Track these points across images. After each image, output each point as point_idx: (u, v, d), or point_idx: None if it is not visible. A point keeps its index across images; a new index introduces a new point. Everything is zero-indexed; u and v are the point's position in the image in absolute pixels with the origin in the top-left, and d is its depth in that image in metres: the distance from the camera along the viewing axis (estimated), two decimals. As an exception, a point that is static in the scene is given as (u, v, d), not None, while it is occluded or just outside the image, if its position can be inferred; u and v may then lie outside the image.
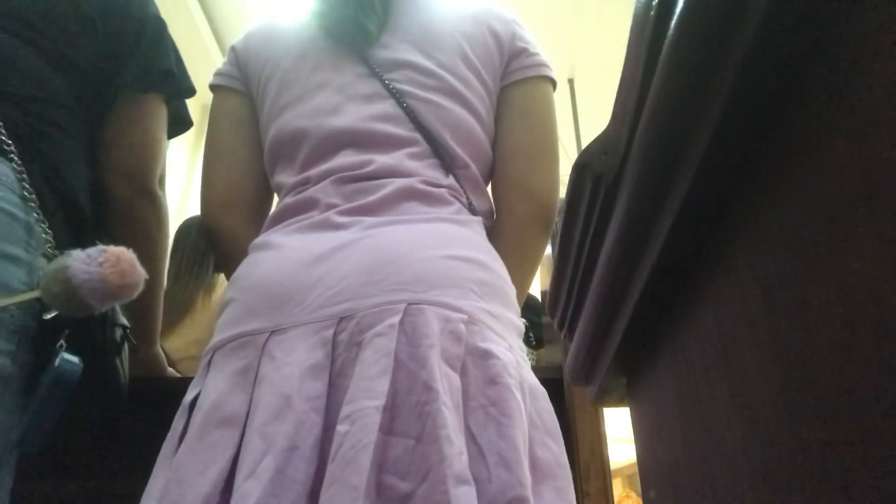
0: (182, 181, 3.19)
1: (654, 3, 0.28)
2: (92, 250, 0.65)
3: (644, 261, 0.37)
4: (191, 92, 0.92)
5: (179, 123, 0.97)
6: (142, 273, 0.68)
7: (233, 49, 0.86)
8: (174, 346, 1.47)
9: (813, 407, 0.24)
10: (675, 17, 0.26)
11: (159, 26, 0.88)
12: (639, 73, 0.30)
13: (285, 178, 0.75)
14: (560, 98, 3.34)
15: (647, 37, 0.29)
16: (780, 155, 0.26)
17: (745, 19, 0.23)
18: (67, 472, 0.92)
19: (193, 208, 3.03)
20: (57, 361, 0.64)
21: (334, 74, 0.76)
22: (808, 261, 0.24)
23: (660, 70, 0.28)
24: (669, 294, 0.38)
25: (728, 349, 0.32)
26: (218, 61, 3.12)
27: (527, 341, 1.48)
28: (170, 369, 1.08)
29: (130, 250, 0.67)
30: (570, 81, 3.45)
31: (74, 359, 0.66)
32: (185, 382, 0.63)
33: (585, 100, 3.38)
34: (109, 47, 0.82)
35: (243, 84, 0.84)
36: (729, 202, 0.30)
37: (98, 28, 0.80)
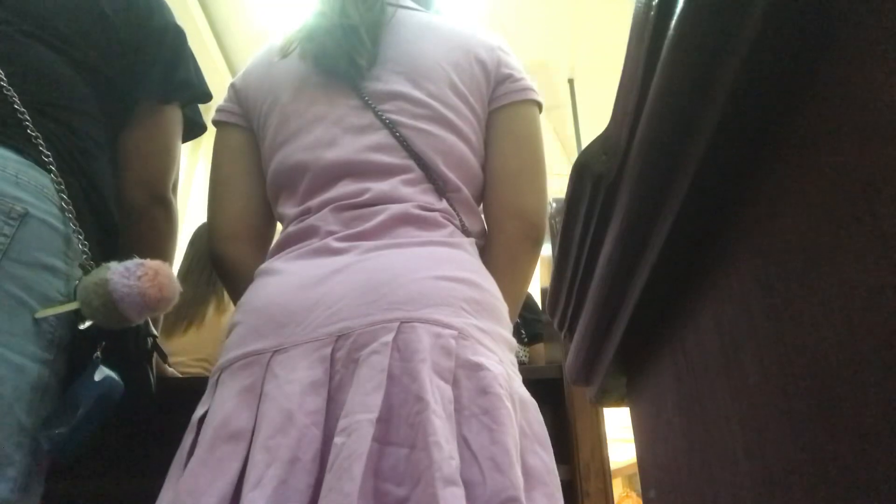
0: (181, 183, 3.20)
1: (654, 3, 0.28)
2: (129, 264, 0.66)
3: (644, 261, 0.37)
4: (208, 97, 0.94)
5: (194, 128, 0.98)
6: (178, 286, 0.70)
7: (232, 86, 0.90)
8: (178, 359, 1.43)
9: (813, 407, 0.24)
10: (675, 17, 0.26)
11: (179, 35, 0.90)
12: (639, 73, 0.30)
13: (288, 209, 0.79)
14: (560, 98, 3.34)
15: (647, 37, 0.29)
16: (780, 155, 0.26)
17: (746, 19, 0.23)
18: (64, 472, 0.92)
19: (192, 210, 3.03)
20: (99, 377, 0.66)
21: (329, 108, 0.79)
22: (808, 261, 0.24)
23: (660, 70, 0.28)
24: (669, 294, 0.38)
25: (728, 349, 0.32)
26: (218, 62, 3.13)
27: (519, 338, 1.48)
28: (170, 369, 1.08)
29: (167, 264, 0.69)
30: (570, 81, 3.45)
31: (115, 375, 0.67)
32: (182, 382, 0.64)
33: (585, 100, 3.38)
34: (130, 56, 0.83)
35: (244, 119, 0.87)
36: (729, 202, 0.30)
37: (120, 34, 0.81)
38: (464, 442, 0.54)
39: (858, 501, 0.21)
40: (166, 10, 0.90)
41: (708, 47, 0.25)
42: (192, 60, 0.92)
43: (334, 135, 0.77)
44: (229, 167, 0.87)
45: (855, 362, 0.21)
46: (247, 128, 0.87)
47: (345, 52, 0.79)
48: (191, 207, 3.01)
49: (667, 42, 0.27)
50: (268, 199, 0.85)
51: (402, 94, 0.78)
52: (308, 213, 0.75)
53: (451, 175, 0.77)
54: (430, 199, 0.75)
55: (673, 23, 0.26)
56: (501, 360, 0.62)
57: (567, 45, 3.25)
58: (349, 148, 0.76)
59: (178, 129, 0.92)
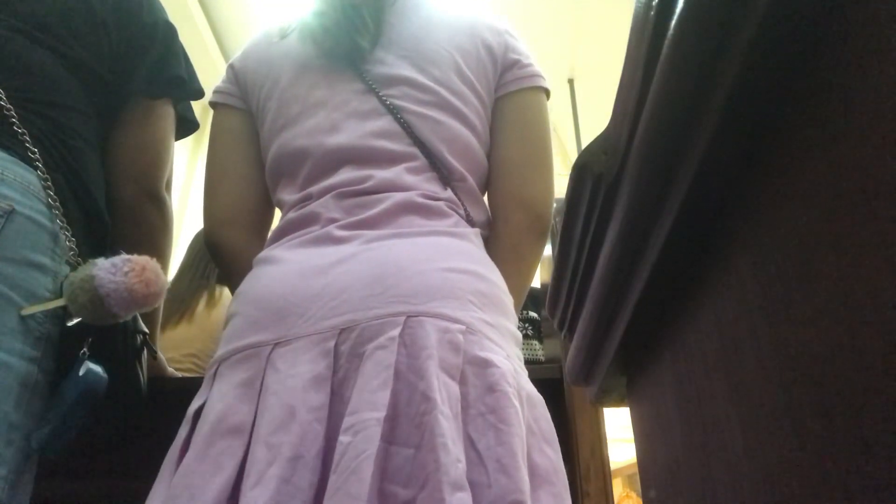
0: (182, 182, 3.20)
1: (654, 3, 0.28)
2: (116, 260, 0.66)
3: (644, 261, 0.37)
4: (199, 94, 0.93)
5: (186, 125, 0.98)
6: (165, 281, 0.69)
7: (231, 67, 0.87)
8: (169, 355, 1.42)
9: (813, 407, 0.24)
10: (675, 17, 0.26)
11: (169, 32, 0.89)
12: (639, 73, 0.30)
13: (287, 194, 0.77)
14: (560, 98, 3.34)
15: (647, 37, 0.29)
16: (780, 155, 0.26)
17: (746, 19, 0.23)
18: (63, 472, 0.92)
19: (193, 210, 3.03)
20: (82, 371, 0.65)
21: (332, 92, 0.78)
22: (808, 261, 0.24)
23: (660, 70, 0.28)
24: (669, 294, 0.38)
25: (728, 349, 0.32)
26: (218, 62, 3.13)
27: (538, 337, 1.47)
28: (170, 369, 1.08)
29: (154, 259, 0.68)
30: (570, 81, 3.45)
31: (99, 369, 0.66)
32: (183, 383, 0.64)
33: (585, 100, 3.38)
34: (121, 52, 0.83)
35: (243, 101, 0.85)
36: (729, 202, 0.30)
37: (111, 31, 0.81)
38: (469, 442, 0.53)
39: (858, 501, 0.21)
40: (157, 6, 0.90)
41: (708, 47, 0.25)
42: (184, 57, 0.91)
43: (336, 120, 0.75)
44: (226, 150, 0.85)
45: (855, 362, 0.21)
46: (245, 110, 0.85)
47: (346, 33, 0.77)
48: (191, 206, 3.02)
49: (667, 42, 0.27)
50: (266, 183, 0.83)
51: (406, 79, 0.77)
52: (309, 199, 0.73)
53: (456, 164, 0.76)
54: (435, 188, 0.73)
55: (673, 23, 0.26)
56: (509, 356, 0.61)
57: (567, 44, 3.25)
58: (352, 134, 0.74)
59: (170, 126, 0.91)
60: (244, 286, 0.69)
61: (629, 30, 0.31)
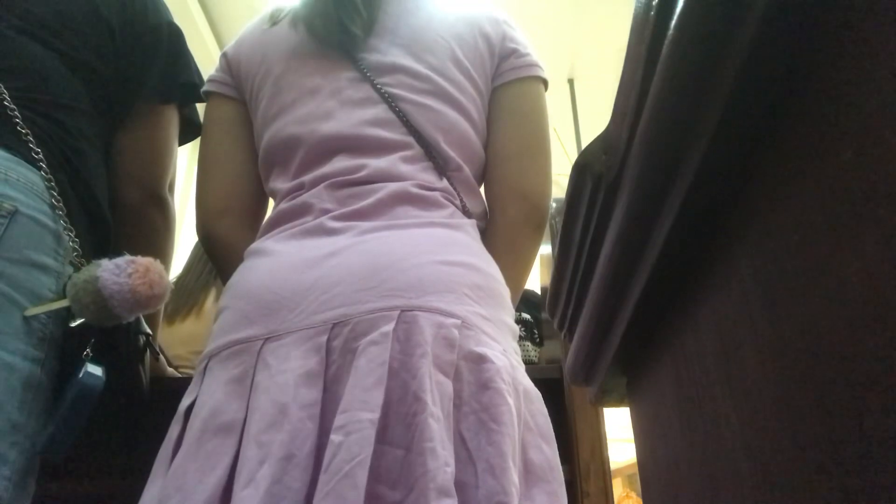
0: (182, 182, 3.20)
1: (654, 3, 0.28)
2: (120, 261, 0.66)
3: (644, 261, 0.37)
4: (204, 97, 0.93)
5: (192, 128, 0.97)
6: (169, 283, 0.69)
7: (224, 55, 0.86)
8: (176, 352, 1.43)
9: (813, 407, 0.24)
10: (675, 17, 0.26)
11: (175, 34, 0.89)
12: (639, 73, 0.30)
13: (280, 184, 0.76)
14: (560, 98, 3.34)
15: (647, 37, 0.29)
16: (780, 155, 0.26)
17: (746, 19, 0.23)
18: (63, 472, 0.92)
19: (192, 210, 3.03)
20: (81, 374, 0.65)
21: (326, 79, 0.77)
22: (808, 261, 0.24)
23: (660, 70, 0.28)
24: (669, 294, 0.38)
25: (728, 349, 0.32)
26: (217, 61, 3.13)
27: (531, 338, 1.47)
28: (170, 370, 1.07)
29: (157, 261, 0.68)
30: (570, 81, 3.45)
31: (98, 371, 0.66)
32: (185, 383, 0.63)
33: (585, 100, 3.38)
34: (125, 53, 0.83)
35: (236, 90, 0.84)
36: (729, 202, 0.30)
37: (115, 31, 0.81)
38: (461, 440, 0.53)
39: (858, 502, 0.21)
40: (162, 7, 0.90)
41: (708, 47, 0.25)
42: (191, 59, 0.92)
43: (330, 108, 0.74)
44: (220, 140, 0.84)
45: (855, 362, 0.21)
46: (239, 99, 0.84)
47: (337, 19, 0.76)
48: (192, 206, 3.02)
49: (667, 42, 0.27)
50: (260, 174, 0.81)
51: (402, 67, 0.75)
52: (301, 189, 0.72)
53: (451, 153, 0.74)
54: (430, 178, 0.71)
55: (673, 23, 0.26)
56: (505, 350, 0.60)
57: (567, 44, 3.25)
58: (345, 122, 0.73)
59: (175, 129, 0.91)
60: (235, 279, 0.68)
61: (629, 30, 0.31)
